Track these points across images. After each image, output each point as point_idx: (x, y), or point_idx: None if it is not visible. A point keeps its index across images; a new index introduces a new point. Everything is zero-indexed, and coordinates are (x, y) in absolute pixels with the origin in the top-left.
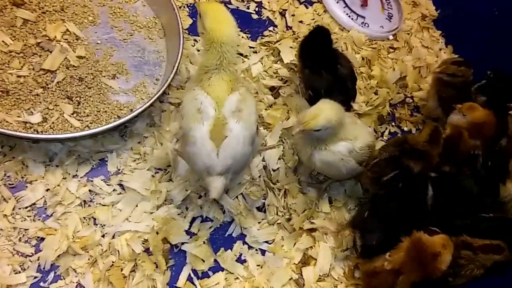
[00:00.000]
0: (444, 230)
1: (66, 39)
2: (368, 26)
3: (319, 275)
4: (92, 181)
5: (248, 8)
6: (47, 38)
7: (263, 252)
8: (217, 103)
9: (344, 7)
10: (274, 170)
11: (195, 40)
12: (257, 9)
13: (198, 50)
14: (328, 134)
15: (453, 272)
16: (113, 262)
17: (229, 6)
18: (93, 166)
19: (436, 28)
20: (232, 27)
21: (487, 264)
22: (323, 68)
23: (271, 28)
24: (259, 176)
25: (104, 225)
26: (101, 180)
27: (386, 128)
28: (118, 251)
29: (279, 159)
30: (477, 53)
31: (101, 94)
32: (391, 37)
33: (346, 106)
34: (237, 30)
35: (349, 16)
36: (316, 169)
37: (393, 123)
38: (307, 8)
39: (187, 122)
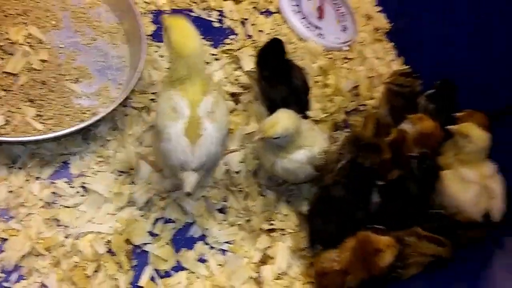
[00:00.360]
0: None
1: (29, 43)
2: (324, 37)
3: (277, 274)
4: (55, 183)
5: (209, 16)
6: (9, 41)
7: (223, 252)
8: (192, 104)
9: (302, 19)
10: (236, 173)
11: (158, 46)
12: (219, 17)
13: (161, 56)
14: (286, 141)
15: (401, 265)
16: (76, 262)
17: (191, 14)
18: (56, 168)
19: (389, 40)
20: (197, 41)
21: (428, 254)
22: (278, 80)
23: (232, 37)
24: (221, 180)
25: (68, 226)
26: (64, 182)
27: (341, 134)
28: (81, 251)
29: (240, 162)
30: (426, 64)
31: (64, 98)
32: (345, 48)
33: (301, 115)
34: (201, 43)
35: (307, 27)
36: (277, 175)
37: (347, 130)
38: (267, 18)
39: (162, 120)
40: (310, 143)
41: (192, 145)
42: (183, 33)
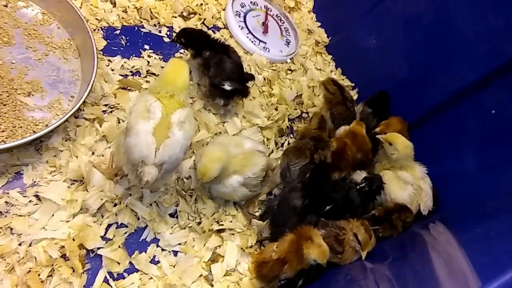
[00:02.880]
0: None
1: None
2: (268, 51)
3: (226, 270)
4: (8, 193)
5: (160, 32)
6: None
7: (175, 253)
8: (165, 110)
9: (248, 34)
10: (187, 178)
11: (109, 60)
12: (168, 33)
13: (112, 70)
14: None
15: (340, 250)
16: (30, 268)
17: (142, 30)
18: (8, 179)
19: (328, 52)
20: (183, 80)
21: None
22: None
23: (182, 50)
24: (172, 186)
25: (21, 234)
26: (17, 192)
27: (286, 140)
28: (35, 257)
29: (190, 168)
30: (361, 74)
31: (16, 111)
32: (289, 60)
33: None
34: (187, 82)
35: (252, 42)
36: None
37: (291, 135)
38: (214, 33)
39: (135, 117)
40: (243, 166)
41: (157, 143)
42: (176, 69)
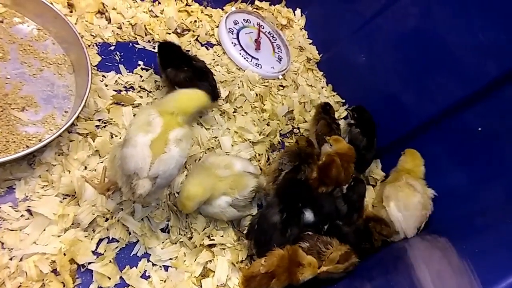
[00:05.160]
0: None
1: None
2: (261, 67)
3: (217, 285)
4: (0, 207)
5: (154, 48)
6: None
7: (166, 268)
8: (165, 127)
9: (240, 50)
10: (177, 193)
11: (103, 76)
12: None
13: (106, 85)
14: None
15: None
16: (21, 283)
17: (136, 46)
18: (1, 193)
19: (319, 69)
20: (197, 108)
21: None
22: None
23: None
24: (163, 201)
25: (12, 248)
26: (9, 206)
27: (277, 155)
28: (26, 272)
29: (181, 184)
30: (351, 90)
31: (9, 126)
32: (280, 77)
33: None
34: (196, 109)
35: (245, 58)
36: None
37: (283, 150)
38: (208, 49)
39: (135, 129)
40: (231, 187)
41: (153, 157)
42: (193, 97)
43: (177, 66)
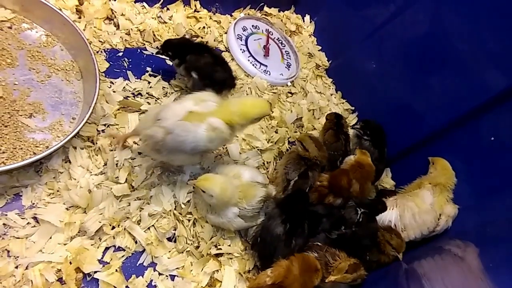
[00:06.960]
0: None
1: None
2: (269, 74)
3: None
4: (6, 215)
5: (162, 54)
6: None
7: (172, 277)
8: (213, 113)
9: (249, 57)
10: (184, 204)
11: (111, 82)
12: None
13: (114, 91)
14: (213, 202)
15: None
16: None
17: (145, 52)
18: (7, 200)
19: (328, 76)
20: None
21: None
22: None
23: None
24: (170, 210)
25: (18, 256)
26: (15, 214)
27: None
28: (32, 281)
29: (188, 193)
30: (361, 98)
31: (17, 132)
32: (289, 84)
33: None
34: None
35: (253, 65)
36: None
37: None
38: None
39: (190, 96)
40: (240, 199)
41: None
42: (254, 104)
43: (199, 52)
